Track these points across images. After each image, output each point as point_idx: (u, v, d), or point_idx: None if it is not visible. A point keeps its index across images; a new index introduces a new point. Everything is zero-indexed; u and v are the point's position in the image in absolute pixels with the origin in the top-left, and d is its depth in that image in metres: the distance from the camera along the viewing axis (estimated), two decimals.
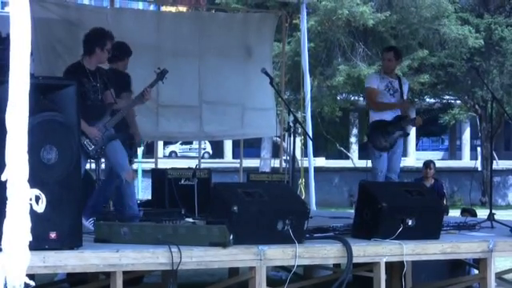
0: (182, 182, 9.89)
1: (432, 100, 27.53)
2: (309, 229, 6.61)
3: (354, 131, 37.66)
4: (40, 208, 3.61)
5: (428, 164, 13.62)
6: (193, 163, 10.97)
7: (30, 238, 3.66)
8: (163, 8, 15.43)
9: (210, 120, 12.11)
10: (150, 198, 10.68)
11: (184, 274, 7.81)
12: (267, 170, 21.30)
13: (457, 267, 8.60)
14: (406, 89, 9.83)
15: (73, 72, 7.90)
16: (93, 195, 8.24)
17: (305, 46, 12.36)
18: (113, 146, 7.97)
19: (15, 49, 3.63)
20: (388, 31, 22.50)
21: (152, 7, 17.33)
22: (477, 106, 26.15)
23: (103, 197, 8.46)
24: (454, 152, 51.85)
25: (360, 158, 32.97)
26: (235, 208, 6.05)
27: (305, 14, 12.69)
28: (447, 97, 27.68)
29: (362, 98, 24.15)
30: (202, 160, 16.19)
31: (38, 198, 3.61)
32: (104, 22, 11.02)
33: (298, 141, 19.36)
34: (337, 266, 7.73)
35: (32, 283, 3.50)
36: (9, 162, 3.59)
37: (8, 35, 4.06)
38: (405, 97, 9.83)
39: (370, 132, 9.75)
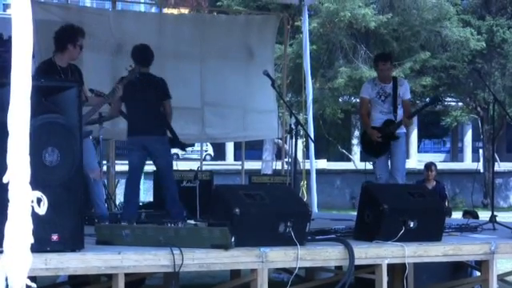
0: (184, 184, 9.89)
1: None
2: (311, 231, 6.60)
3: (356, 133, 37.58)
4: (42, 210, 3.60)
5: (429, 166, 13.59)
6: (194, 165, 10.95)
7: (32, 241, 3.64)
8: (165, 10, 15.46)
9: (211, 122, 12.11)
10: (151, 199, 10.68)
11: (186, 276, 7.82)
12: (269, 172, 21.30)
13: (459, 269, 8.58)
14: (403, 89, 9.81)
15: (44, 69, 7.87)
16: (168, 202, 8.54)
17: (306, 48, 12.37)
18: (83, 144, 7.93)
19: (17, 51, 3.63)
20: (390, 33, 22.49)
21: (154, 9, 17.35)
22: (479, 108, 26.13)
23: (171, 194, 8.65)
24: (455, 154, 51.81)
25: (362, 160, 32.91)
26: (237, 210, 6.04)
27: (306, 16, 12.71)
28: (449, 99, 27.66)
29: None
30: (204, 162, 16.18)
31: (39, 200, 3.60)
32: (106, 24, 11.07)
33: (300, 143, 19.33)
34: (339, 268, 7.73)
35: (34, 285, 3.49)
36: (10, 164, 3.58)
37: (10, 37, 4.05)
38: (407, 97, 9.83)
39: (361, 140, 9.84)
